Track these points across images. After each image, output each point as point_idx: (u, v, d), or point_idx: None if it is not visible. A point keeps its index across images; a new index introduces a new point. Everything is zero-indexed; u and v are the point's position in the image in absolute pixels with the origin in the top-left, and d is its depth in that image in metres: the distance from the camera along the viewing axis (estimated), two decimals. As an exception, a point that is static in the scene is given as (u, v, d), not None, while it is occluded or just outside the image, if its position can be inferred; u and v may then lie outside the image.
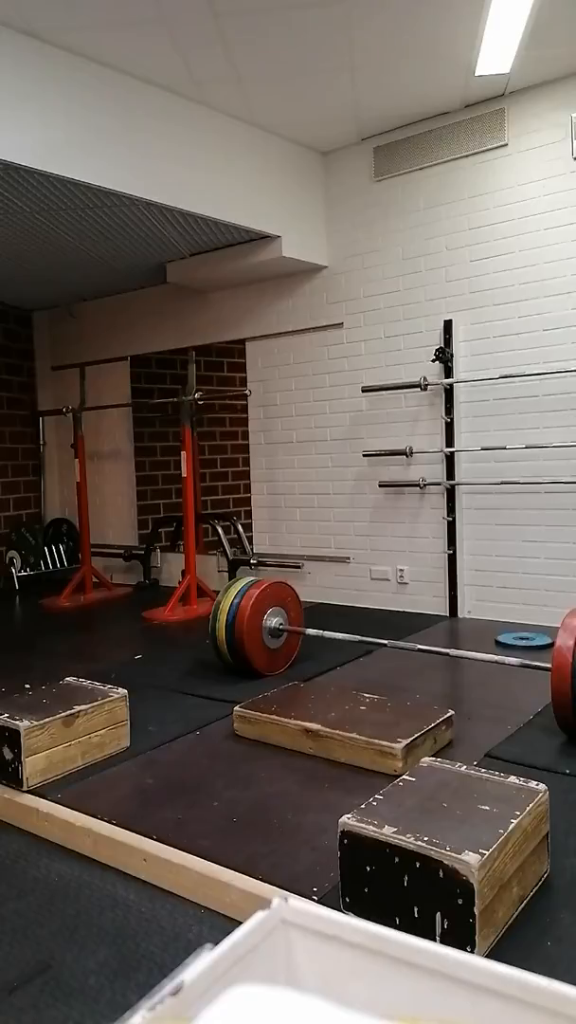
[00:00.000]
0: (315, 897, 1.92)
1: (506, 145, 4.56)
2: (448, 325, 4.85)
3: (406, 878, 1.69)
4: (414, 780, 2.01)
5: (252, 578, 3.86)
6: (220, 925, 1.91)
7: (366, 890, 1.77)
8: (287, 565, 5.68)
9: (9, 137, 3.53)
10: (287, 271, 5.46)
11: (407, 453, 5.05)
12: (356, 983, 0.86)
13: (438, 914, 1.66)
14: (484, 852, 1.65)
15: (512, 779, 2.00)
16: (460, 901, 1.62)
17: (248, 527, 5.96)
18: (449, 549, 4.94)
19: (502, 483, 4.70)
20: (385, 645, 3.51)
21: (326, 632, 3.71)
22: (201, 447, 6.37)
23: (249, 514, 5.97)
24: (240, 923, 0.92)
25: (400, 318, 5.08)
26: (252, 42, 3.80)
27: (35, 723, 2.59)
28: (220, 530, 5.93)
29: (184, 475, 5.35)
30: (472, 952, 1.61)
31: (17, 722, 2.58)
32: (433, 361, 4.88)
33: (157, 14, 3.52)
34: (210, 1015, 0.74)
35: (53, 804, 2.45)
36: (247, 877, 2.00)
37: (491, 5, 3.46)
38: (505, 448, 4.66)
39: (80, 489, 6.08)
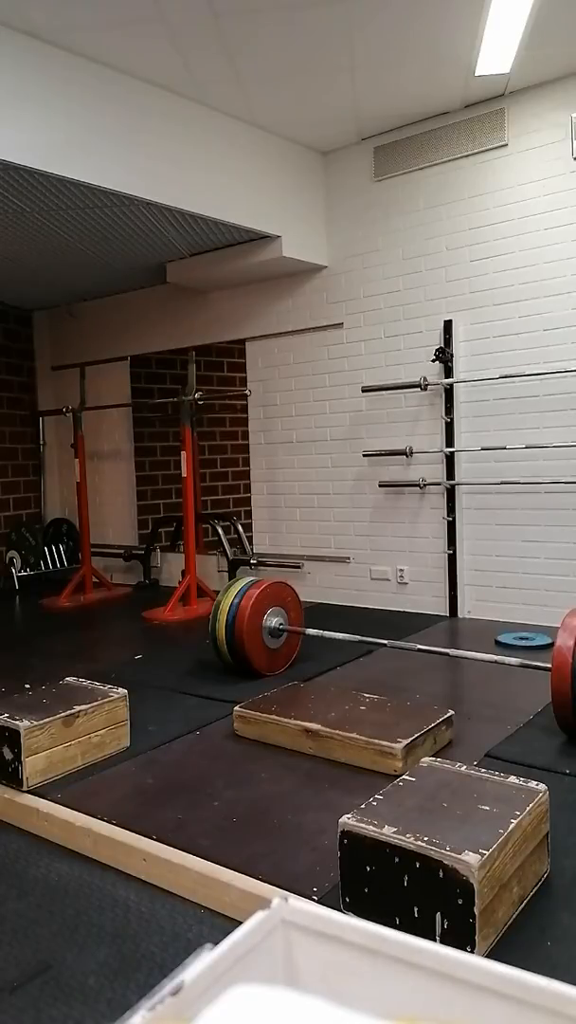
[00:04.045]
0: (315, 897, 1.92)
1: (506, 145, 4.56)
2: (448, 325, 4.85)
3: (406, 878, 1.69)
4: (414, 780, 2.01)
5: (252, 578, 3.86)
6: (220, 925, 1.91)
7: (366, 890, 1.77)
8: (287, 565, 5.68)
9: (9, 137, 3.53)
10: (287, 271, 5.46)
11: (407, 453, 5.05)
12: (356, 983, 0.86)
13: (438, 914, 1.66)
14: (484, 852, 1.65)
15: (512, 779, 2.00)
16: (460, 901, 1.62)
17: (248, 527, 5.97)
18: (449, 549, 4.94)
19: (502, 483, 4.70)
20: (385, 645, 3.51)
21: (326, 632, 3.71)
22: (201, 447, 6.37)
23: (249, 514, 5.97)
24: (240, 923, 0.92)
25: (400, 318, 5.08)
26: (252, 42, 3.80)
27: (35, 723, 2.59)
28: (220, 530, 5.93)
29: (184, 475, 5.35)
30: (472, 952, 1.61)
31: (17, 722, 2.58)
32: (433, 361, 4.88)
33: (157, 14, 3.52)
34: (210, 1015, 0.74)
35: (53, 804, 2.45)
36: (247, 877, 2.00)
37: (491, 5, 3.46)
38: (505, 448, 4.66)
39: (80, 489, 6.08)
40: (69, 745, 2.69)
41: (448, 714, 2.86)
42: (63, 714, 2.68)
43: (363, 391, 5.21)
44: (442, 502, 4.98)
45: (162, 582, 6.50)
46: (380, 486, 5.20)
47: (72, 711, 2.71)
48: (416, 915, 1.69)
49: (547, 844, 1.95)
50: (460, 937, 1.63)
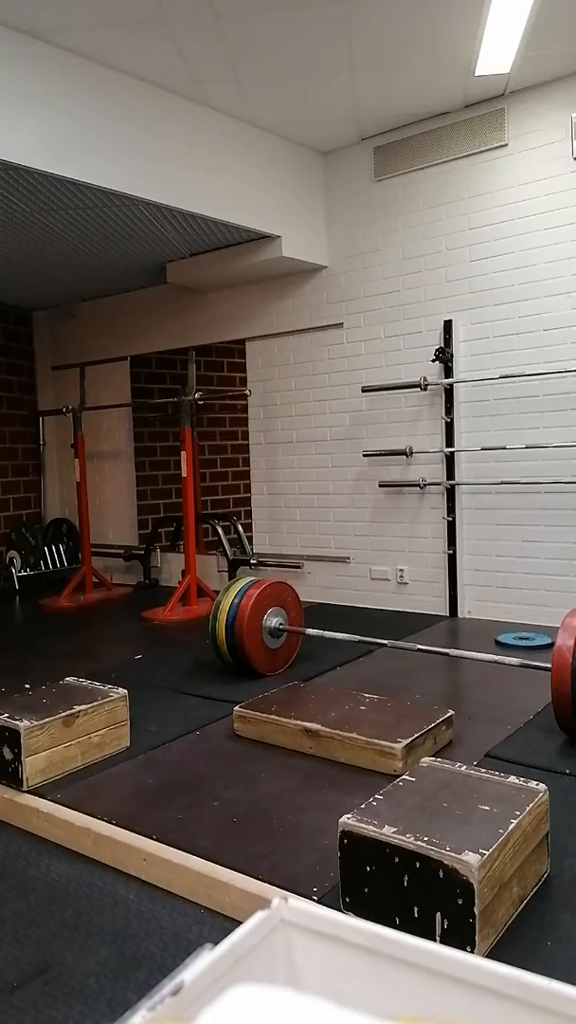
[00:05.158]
0: (315, 897, 1.92)
1: (506, 145, 4.56)
2: (448, 325, 4.85)
3: (406, 878, 1.69)
4: (414, 780, 2.01)
5: (252, 578, 3.86)
6: (220, 925, 1.91)
7: (366, 890, 1.77)
8: (287, 565, 5.68)
9: (9, 137, 3.53)
10: (287, 271, 5.46)
11: (407, 453, 5.05)
12: (356, 983, 0.86)
13: (438, 914, 1.66)
14: (484, 852, 1.65)
15: (512, 779, 2.00)
16: (460, 901, 1.62)
17: (248, 527, 5.97)
18: (449, 549, 4.94)
19: (502, 483, 4.70)
20: (385, 645, 3.51)
21: (326, 632, 3.71)
22: (201, 447, 6.37)
23: (249, 514, 5.97)
24: (240, 923, 0.92)
25: (400, 318, 5.08)
26: (252, 42, 3.80)
27: (35, 723, 2.59)
28: (220, 530, 5.93)
29: (184, 475, 5.35)
30: (472, 952, 1.61)
31: (17, 722, 2.58)
32: (433, 361, 4.88)
33: (157, 14, 3.52)
34: (210, 1015, 0.74)
35: (53, 804, 2.45)
36: (247, 877, 2.00)
37: (491, 5, 3.46)
38: (505, 448, 4.66)
39: (80, 489, 6.08)
40: (69, 745, 2.69)
41: (448, 714, 2.86)
42: (63, 714, 2.68)
43: (363, 391, 5.21)
44: (442, 502, 4.98)
45: (162, 582, 6.50)
46: (380, 486, 5.20)
47: (72, 711, 2.71)
48: (416, 915, 1.69)
49: (547, 844, 1.95)
50: (460, 937, 1.63)
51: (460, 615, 4.95)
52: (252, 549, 5.90)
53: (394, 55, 4.01)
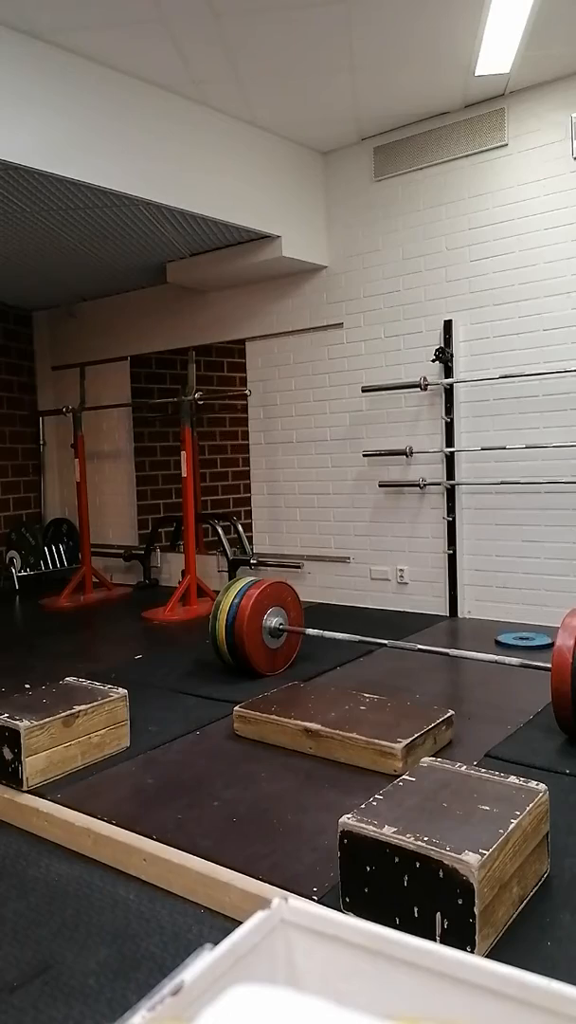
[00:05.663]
0: (315, 897, 1.92)
1: (506, 145, 4.56)
2: (448, 325, 4.85)
3: (406, 878, 1.69)
4: (414, 780, 2.01)
5: (252, 578, 3.86)
6: (220, 925, 1.91)
7: (366, 890, 1.77)
8: (287, 565, 5.68)
9: (9, 137, 3.53)
10: (287, 271, 5.46)
11: (407, 453, 5.05)
12: (356, 983, 0.86)
13: (438, 914, 1.66)
14: (484, 852, 1.65)
15: (512, 779, 2.00)
16: (460, 901, 1.62)
17: (248, 527, 5.97)
18: (449, 549, 4.94)
19: (502, 483, 4.70)
20: (385, 645, 3.51)
21: (326, 632, 3.71)
22: (201, 447, 6.37)
23: (249, 514, 5.97)
24: (240, 923, 0.92)
25: (400, 318, 5.08)
26: (252, 42, 3.80)
27: (35, 723, 2.59)
28: (220, 530, 5.93)
29: (184, 475, 5.35)
30: (472, 952, 1.61)
31: (17, 722, 2.58)
32: (433, 361, 4.88)
33: (157, 14, 3.52)
34: (210, 1015, 0.74)
35: (53, 804, 2.45)
36: (247, 877, 2.00)
37: (491, 5, 3.46)
38: (505, 448, 4.66)
39: (80, 489, 6.08)
40: (69, 745, 2.69)
41: (448, 714, 2.86)
42: (63, 714, 2.68)
43: (363, 391, 5.21)
44: (442, 502, 4.98)
45: (162, 582, 6.50)
46: (380, 486, 5.20)
47: (72, 711, 2.71)
48: (416, 915, 1.69)
49: (547, 844, 1.95)
50: (460, 937, 1.63)
51: (460, 615, 4.95)
52: (252, 549, 5.91)
53: (394, 55, 4.01)
